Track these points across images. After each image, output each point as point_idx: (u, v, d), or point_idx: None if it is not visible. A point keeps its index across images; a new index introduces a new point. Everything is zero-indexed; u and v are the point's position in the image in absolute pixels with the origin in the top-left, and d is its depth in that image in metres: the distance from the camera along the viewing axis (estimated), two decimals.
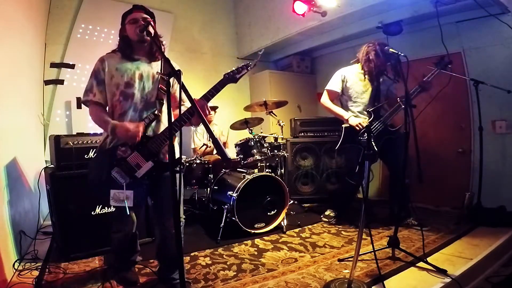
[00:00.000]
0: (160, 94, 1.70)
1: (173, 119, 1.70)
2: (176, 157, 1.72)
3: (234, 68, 1.73)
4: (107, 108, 1.71)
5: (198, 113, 1.34)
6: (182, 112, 1.56)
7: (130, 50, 1.71)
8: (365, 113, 2.78)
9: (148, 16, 1.68)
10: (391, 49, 2.21)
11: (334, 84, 2.92)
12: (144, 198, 1.78)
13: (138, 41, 1.68)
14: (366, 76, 2.79)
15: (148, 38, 1.61)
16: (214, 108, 3.84)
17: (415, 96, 2.54)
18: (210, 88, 1.68)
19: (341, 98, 2.95)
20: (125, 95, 1.65)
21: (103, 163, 1.62)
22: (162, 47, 1.67)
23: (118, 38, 1.75)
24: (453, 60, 3.01)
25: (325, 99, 2.97)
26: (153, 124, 1.69)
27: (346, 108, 2.89)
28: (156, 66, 1.75)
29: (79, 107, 3.51)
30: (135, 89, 1.67)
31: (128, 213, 1.61)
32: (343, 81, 2.88)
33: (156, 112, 1.69)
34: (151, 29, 1.60)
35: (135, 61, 1.71)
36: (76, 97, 3.54)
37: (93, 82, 1.66)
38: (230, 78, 1.72)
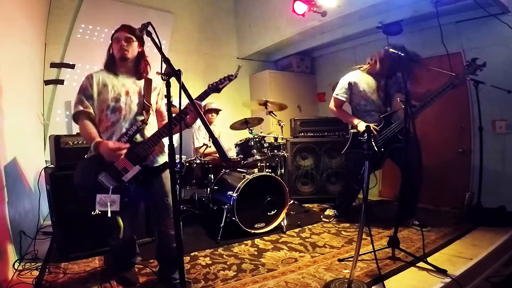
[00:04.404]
0: (146, 106, 1.76)
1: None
2: (164, 162, 1.78)
3: (217, 80, 1.81)
4: (96, 121, 1.73)
5: (197, 112, 1.36)
6: (176, 113, 1.58)
7: (114, 66, 1.79)
8: (377, 118, 2.71)
9: (131, 36, 1.73)
10: (391, 49, 2.21)
11: (340, 92, 2.88)
12: (134, 202, 1.78)
13: (120, 59, 1.75)
14: (374, 81, 2.74)
15: (130, 57, 1.73)
16: (217, 111, 3.83)
17: (445, 93, 2.48)
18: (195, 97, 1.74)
19: (351, 104, 2.91)
20: (113, 109, 1.71)
21: (90, 168, 1.63)
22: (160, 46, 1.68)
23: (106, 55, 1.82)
24: (453, 60, 3.02)
25: (332, 106, 2.96)
26: (140, 131, 1.73)
27: (356, 113, 2.85)
28: (141, 83, 1.81)
29: None
30: (123, 103, 1.73)
31: (111, 216, 1.61)
32: (349, 88, 2.83)
33: (143, 120, 1.73)
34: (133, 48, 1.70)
35: (121, 77, 1.78)
36: None
37: (82, 97, 1.71)
38: (214, 88, 1.80)
